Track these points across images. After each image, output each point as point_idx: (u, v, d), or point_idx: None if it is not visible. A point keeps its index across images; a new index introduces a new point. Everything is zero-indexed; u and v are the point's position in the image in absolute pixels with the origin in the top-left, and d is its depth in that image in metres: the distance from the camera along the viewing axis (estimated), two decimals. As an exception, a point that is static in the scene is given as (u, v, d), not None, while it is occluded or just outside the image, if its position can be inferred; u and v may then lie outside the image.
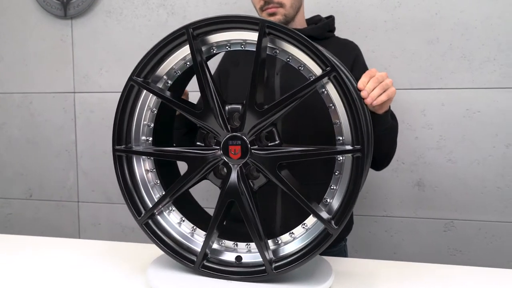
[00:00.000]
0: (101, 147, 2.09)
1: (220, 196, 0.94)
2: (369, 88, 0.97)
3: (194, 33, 0.91)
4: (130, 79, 0.96)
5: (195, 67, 0.92)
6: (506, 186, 1.73)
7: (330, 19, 1.45)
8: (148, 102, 1.00)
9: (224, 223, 1.00)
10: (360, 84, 0.98)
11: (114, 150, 0.99)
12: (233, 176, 0.92)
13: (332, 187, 0.92)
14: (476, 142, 1.73)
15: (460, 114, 1.73)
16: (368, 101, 0.97)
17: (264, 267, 0.91)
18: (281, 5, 1.31)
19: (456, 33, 1.71)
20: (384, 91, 0.99)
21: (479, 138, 1.73)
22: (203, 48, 0.95)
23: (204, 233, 0.99)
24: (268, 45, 0.91)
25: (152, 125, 1.02)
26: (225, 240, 0.99)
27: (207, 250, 0.97)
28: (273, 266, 0.91)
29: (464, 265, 1.12)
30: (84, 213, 2.15)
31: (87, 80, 2.07)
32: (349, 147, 0.87)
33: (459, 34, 1.71)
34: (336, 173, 0.91)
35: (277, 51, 0.92)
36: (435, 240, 1.81)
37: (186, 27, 0.90)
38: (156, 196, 1.02)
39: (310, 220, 0.94)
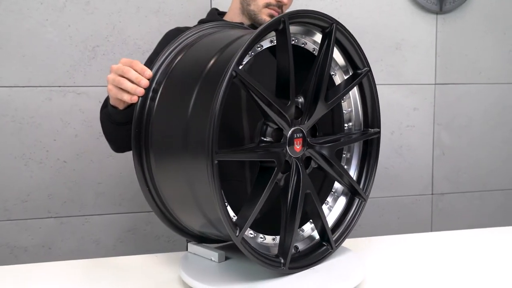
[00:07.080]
0: (-24, 154, 1.71)
1: (291, 191, 0.91)
2: None
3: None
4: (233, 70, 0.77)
5: (289, 57, 0.86)
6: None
7: None
8: None
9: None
10: None
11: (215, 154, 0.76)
12: (302, 168, 0.92)
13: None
14: (369, 131, 2.03)
15: (358, 107, 2.00)
16: None
17: (323, 247, 0.97)
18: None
19: (352, 37, 1.97)
20: None
21: (371, 127, 2.03)
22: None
23: (252, 231, 0.95)
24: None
25: None
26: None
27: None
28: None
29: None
30: (-47, 237, 1.72)
31: (-47, 72, 1.66)
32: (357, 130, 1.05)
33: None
34: (344, 154, 1.06)
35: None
36: (340, 218, 2.05)
37: (283, 16, 0.83)
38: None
39: (337, 185, 1.05)
